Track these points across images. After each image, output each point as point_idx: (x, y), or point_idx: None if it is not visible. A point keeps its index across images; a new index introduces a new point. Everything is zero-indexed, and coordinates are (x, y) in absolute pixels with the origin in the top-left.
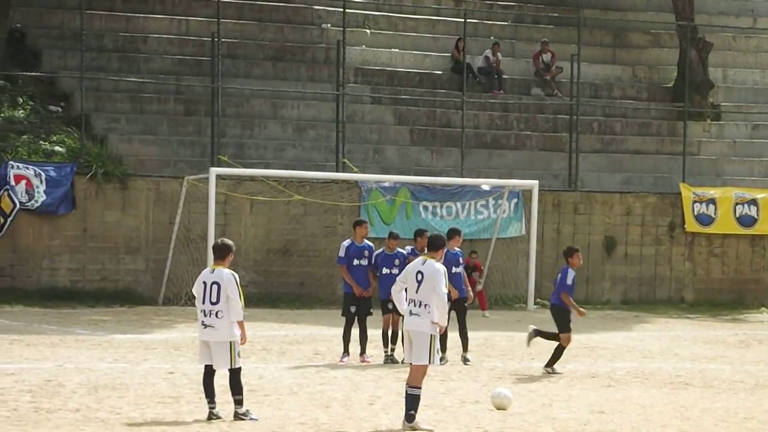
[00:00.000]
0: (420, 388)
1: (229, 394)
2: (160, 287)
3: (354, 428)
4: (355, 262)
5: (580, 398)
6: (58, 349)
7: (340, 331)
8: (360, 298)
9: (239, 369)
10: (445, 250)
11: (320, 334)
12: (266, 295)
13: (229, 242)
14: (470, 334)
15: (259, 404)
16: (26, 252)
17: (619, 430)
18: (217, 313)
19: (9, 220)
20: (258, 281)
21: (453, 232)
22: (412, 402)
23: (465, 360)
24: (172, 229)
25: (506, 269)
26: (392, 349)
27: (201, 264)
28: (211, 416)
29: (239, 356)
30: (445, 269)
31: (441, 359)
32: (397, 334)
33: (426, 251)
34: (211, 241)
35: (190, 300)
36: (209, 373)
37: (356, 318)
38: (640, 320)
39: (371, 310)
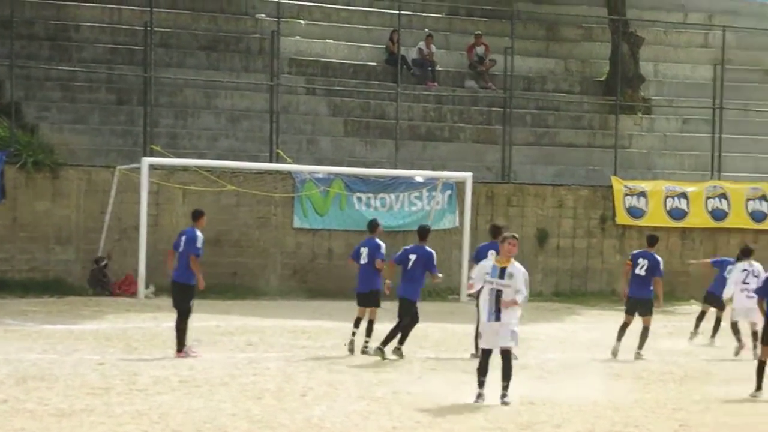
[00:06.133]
0: None
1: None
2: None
3: (286, 419)
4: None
5: (511, 389)
6: None
7: (273, 321)
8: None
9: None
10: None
11: (252, 324)
12: None
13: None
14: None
15: (190, 395)
16: None
17: (551, 421)
18: None
19: None
20: None
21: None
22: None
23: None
24: (104, 219)
25: (439, 261)
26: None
27: (132, 254)
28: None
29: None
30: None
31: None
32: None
33: None
34: (143, 231)
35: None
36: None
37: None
38: (571, 312)
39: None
